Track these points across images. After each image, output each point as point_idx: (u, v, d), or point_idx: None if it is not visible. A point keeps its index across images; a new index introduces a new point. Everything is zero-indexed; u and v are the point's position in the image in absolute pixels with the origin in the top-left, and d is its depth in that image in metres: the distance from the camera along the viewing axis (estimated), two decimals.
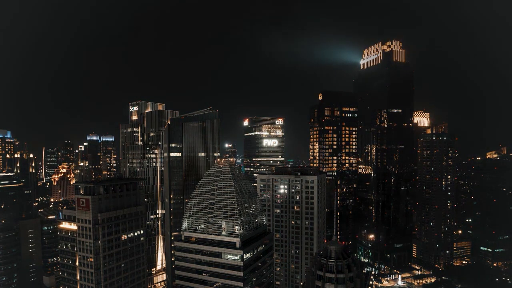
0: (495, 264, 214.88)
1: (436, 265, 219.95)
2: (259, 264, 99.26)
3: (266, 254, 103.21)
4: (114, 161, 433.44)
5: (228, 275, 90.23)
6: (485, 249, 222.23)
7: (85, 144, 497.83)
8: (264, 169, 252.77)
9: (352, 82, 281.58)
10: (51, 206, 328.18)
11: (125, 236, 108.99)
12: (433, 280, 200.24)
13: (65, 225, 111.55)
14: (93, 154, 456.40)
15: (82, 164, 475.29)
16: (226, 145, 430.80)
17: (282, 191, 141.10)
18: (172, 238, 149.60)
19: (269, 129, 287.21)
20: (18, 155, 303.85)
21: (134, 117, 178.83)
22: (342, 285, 68.94)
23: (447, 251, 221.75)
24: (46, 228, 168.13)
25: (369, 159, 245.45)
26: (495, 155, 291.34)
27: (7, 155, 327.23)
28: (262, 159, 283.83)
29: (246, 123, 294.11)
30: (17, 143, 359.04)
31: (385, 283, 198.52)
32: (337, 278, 69.05)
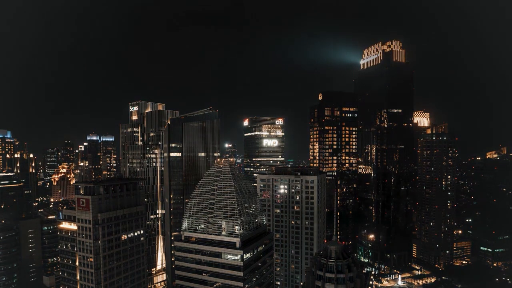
0: (495, 264, 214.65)
1: (436, 265, 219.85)
2: (259, 264, 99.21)
3: (266, 254, 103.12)
4: (114, 161, 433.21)
5: (228, 275, 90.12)
6: (485, 249, 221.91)
7: (85, 144, 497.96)
8: (264, 169, 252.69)
9: (352, 82, 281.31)
10: (51, 206, 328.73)
11: (125, 236, 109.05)
12: (433, 280, 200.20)
13: (65, 225, 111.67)
14: (93, 154, 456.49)
15: (82, 164, 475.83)
16: (226, 145, 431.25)
17: (282, 191, 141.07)
18: (172, 238, 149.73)
19: (269, 129, 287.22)
20: (18, 155, 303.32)
21: (134, 117, 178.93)
22: (342, 285, 68.96)
23: (447, 251, 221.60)
24: (46, 228, 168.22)
25: (369, 159, 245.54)
26: (495, 155, 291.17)
27: (7, 155, 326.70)
28: (262, 159, 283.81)
29: (246, 123, 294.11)
30: (17, 143, 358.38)
31: (385, 283, 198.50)
32: (337, 278, 69.08)
